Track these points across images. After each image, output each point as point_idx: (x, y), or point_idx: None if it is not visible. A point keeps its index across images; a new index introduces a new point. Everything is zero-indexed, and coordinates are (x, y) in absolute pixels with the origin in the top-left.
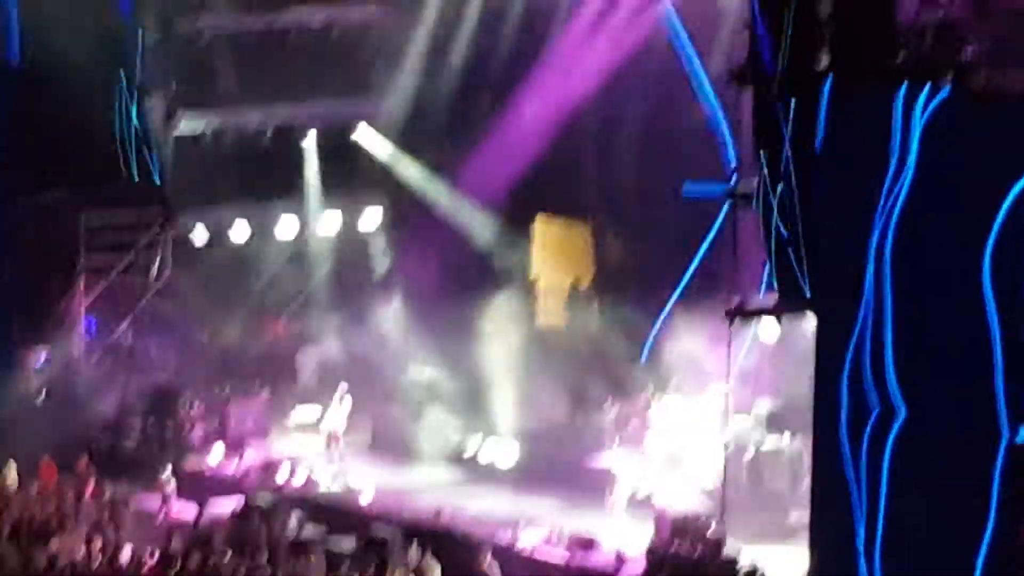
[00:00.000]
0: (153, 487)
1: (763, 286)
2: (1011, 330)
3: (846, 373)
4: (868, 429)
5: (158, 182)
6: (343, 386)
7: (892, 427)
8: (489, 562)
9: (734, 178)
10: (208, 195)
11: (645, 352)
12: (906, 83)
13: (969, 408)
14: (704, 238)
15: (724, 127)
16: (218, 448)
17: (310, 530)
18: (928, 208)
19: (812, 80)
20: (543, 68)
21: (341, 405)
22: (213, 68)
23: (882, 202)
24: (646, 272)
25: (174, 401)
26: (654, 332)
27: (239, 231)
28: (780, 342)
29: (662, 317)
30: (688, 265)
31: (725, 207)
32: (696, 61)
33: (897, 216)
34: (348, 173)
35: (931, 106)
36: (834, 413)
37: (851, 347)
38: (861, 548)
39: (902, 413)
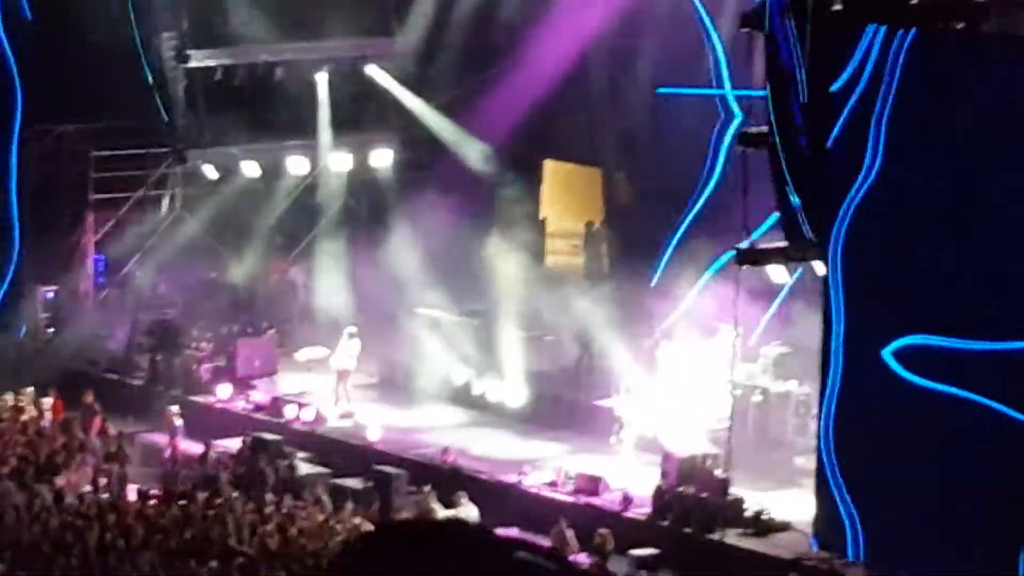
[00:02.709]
0: (160, 424)
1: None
2: None
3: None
4: None
5: (168, 119)
6: (352, 326)
7: None
8: (466, 501)
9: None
10: (219, 132)
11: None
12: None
13: None
14: (715, 180)
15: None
16: (225, 386)
17: (316, 468)
18: (941, 149)
19: (826, 23)
20: (556, 7)
21: (349, 344)
22: (225, 5)
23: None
24: (656, 214)
25: (182, 338)
26: (662, 269)
27: (249, 168)
28: (790, 286)
29: (667, 255)
30: (698, 208)
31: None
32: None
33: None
34: (360, 111)
35: (943, 48)
36: (841, 358)
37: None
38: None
39: None
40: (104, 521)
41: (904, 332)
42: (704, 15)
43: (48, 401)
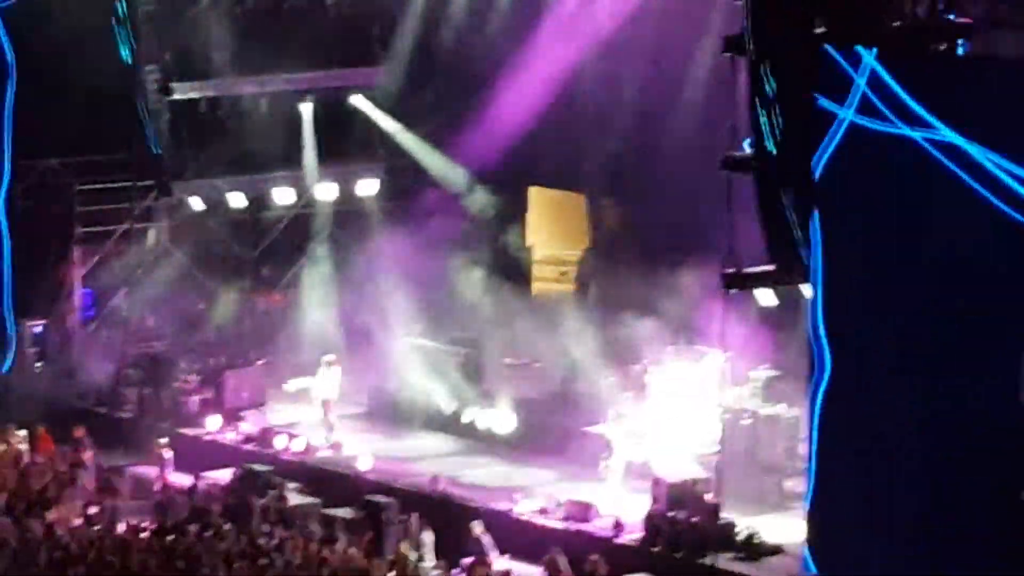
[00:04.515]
0: (149, 457)
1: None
2: None
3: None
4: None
5: (153, 151)
6: (330, 355)
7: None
8: (481, 531)
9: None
10: (204, 164)
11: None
12: (901, 47)
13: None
14: (700, 204)
15: None
16: (214, 418)
17: (307, 499)
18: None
19: (809, 45)
20: (540, 34)
21: (329, 373)
22: (209, 37)
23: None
24: (642, 239)
25: (170, 370)
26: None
27: (235, 199)
28: (777, 309)
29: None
30: (684, 231)
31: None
32: None
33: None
34: (345, 142)
35: (925, 70)
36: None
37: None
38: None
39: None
40: (95, 555)
41: None
42: None
43: (35, 434)
